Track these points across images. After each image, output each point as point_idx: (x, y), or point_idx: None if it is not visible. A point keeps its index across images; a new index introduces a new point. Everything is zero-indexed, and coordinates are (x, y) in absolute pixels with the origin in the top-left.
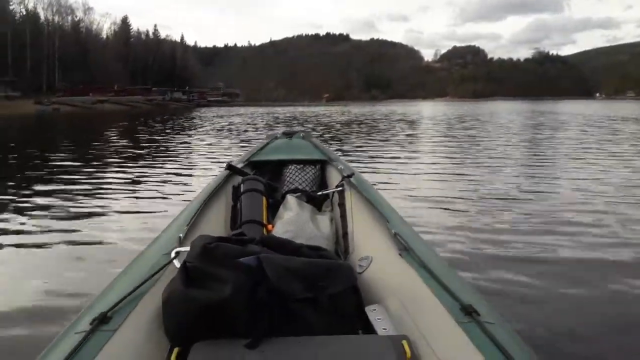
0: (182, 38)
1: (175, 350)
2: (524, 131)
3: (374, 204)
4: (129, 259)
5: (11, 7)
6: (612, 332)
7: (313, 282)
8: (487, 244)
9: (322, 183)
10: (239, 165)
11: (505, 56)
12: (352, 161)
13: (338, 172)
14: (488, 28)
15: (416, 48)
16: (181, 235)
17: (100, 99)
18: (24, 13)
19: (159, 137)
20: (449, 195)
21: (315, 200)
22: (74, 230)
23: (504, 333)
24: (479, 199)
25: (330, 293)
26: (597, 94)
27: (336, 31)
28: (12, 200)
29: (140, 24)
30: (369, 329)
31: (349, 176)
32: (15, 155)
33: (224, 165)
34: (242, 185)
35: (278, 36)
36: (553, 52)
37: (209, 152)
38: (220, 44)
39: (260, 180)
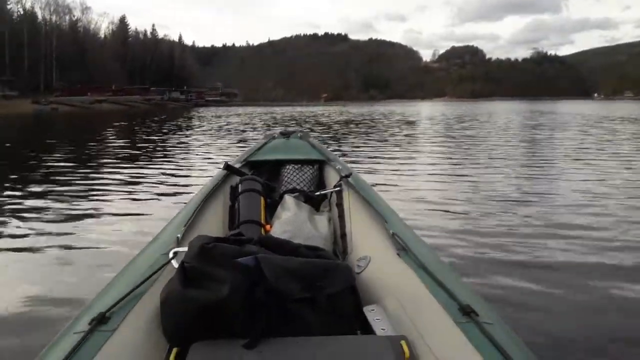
0: (180, 38)
1: (174, 350)
2: (523, 131)
3: (372, 204)
4: (126, 260)
5: (9, 7)
6: (612, 336)
7: (311, 282)
8: (486, 245)
9: (320, 183)
10: (237, 165)
11: (503, 56)
12: (350, 161)
13: (336, 172)
14: (486, 28)
15: (414, 48)
16: (179, 235)
17: (98, 99)
18: (22, 12)
19: (157, 137)
20: (448, 196)
21: (313, 200)
22: (70, 232)
23: (502, 333)
24: (479, 200)
25: (329, 293)
26: (595, 94)
27: (334, 31)
28: (6, 203)
29: (138, 23)
30: (367, 329)
31: (347, 176)
32: (11, 156)
33: (222, 165)
34: (239, 185)
35: (276, 36)
36: (551, 52)
37: (206, 152)
38: (219, 44)
39: (258, 180)
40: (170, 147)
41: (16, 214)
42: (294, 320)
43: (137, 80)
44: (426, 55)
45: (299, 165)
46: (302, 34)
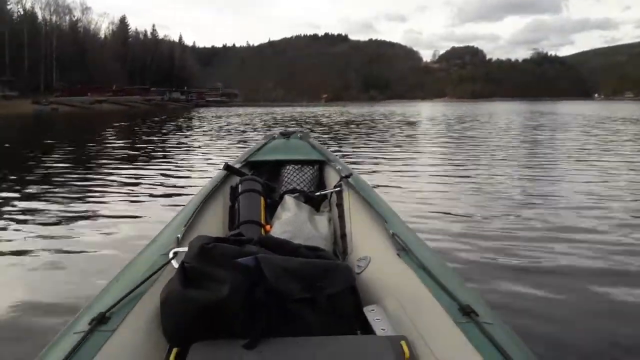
0: (180, 38)
1: (174, 350)
2: (524, 132)
3: (372, 205)
4: (126, 261)
5: (9, 7)
6: (614, 341)
7: (311, 282)
8: (488, 248)
9: (320, 183)
10: (237, 166)
11: (503, 57)
12: (351, 162)
13: (336, 173)
14: (486, 28)
15: (415, 49)
16: (179, 235)
17: (98, 99)
18: (22, 13)
19: (157, 138)
20: (449, 197)
21: (313, 200)
22: (68, 233)
23: (502, 333)
24: (480, 201)
25: (329, 293)
26: (596, 95)
27: (334, 31)
28: (5, 203)
29: (138, 23)
30: (367, 329)
31: (347, 176)
32: (11, 156)
33: (222, 165)
34: (239, 185)
35: (276, 36)
36: (551, 52)
37: (206, 153)
38: (219, 44)
39: (258, 180)
40: (170, 147)
41: (14, 215)
42: (294, 320)
43: (138, 81)
44: (426, 56)
45: (299, 166)
46: (302, 35)
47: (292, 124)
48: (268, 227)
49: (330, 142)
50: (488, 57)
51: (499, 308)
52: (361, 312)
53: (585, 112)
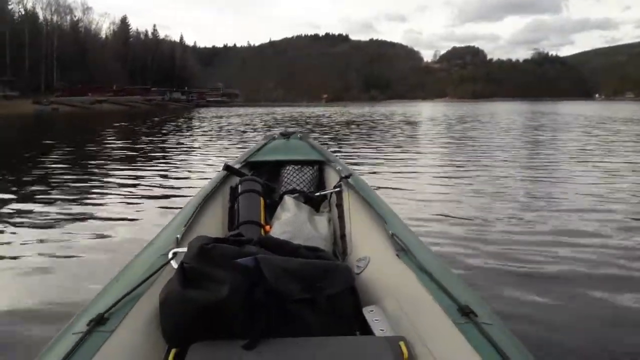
0: (181, 38)
1: (173, 351)
2: (526, 133)
3: (372, 205)
4: (125, 262)
5: (10, 7)
6: (616, 347)
7: (311, 283)
8: (489, 252)
9: (320, 184)
10: (237, 166)
11: (504, 57)
12: (351, 163)
13: (336, 173)
14: (487, 28)
15: (415, 49)
16: (178, 236)
17: (98, 99)
18: (23, 13)
19: (157, 138)
20: (449, 199)
21: (313, 201)
22: (66, 234)
23: (501, 334)
24: (481, 203)
25: (328, 294)
26: (596, 95)
27: (335, 31)
28: (3, 205)
29: (139, 23)
30: (366, 330)
31: (347, 177)
32: (10, 157)
33: (222, 166)
34: (239, 186)
35: (277, 36)
36: (552, 52)
37: (206, 153)
38: (220, 44)
39: (257, 181)
40: (170, 148)
41: (13, 216)
42: (294, 320)
43: (138, 81)
44: (427, 56)
45: (299, 166)
46: (303, 35)
47: (293, 124)
48: (268, 227)
49: (331, 143)
50: (489, 57)
51: (500, 313)
52: (360, 312)
53: (586, 112)
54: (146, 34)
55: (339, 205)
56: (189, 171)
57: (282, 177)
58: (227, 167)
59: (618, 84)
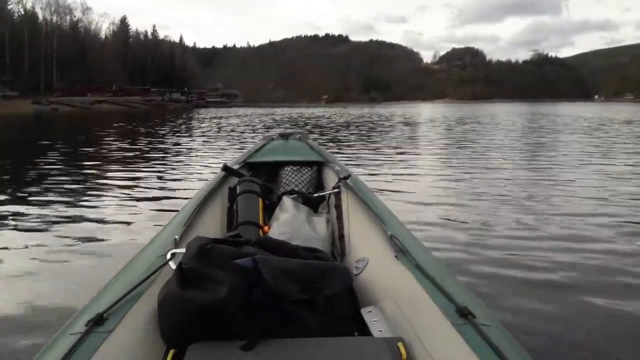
0: (181, 38)
1: (171, 352)
2: (526, 134)
3: (370, 206)
4: (123, 263)
5: (9, 7)
6: (616, 352)
7: (309, 283)
8: (488, 254)
9: (319, 185)
10: (235, 167)
11: (503, 58)
12: (350, 163)
13: (334, 174)
14: (486, 30)
15: (415, 50)
16: (177, 236)
17: (98, 99)
18: (22, 13)
19: (156, 139)
20: (449, 202)
21: (312, 201)
22: (64, 235)
23: (499, 335)
24: (481, 205)
25: (326, 295)
26: (596, 96)
27: (334, 32)
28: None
29: (138, 23)
30: (364, 330)
31: (346, 178)
32: (9, 157)
33: (220, 166)
34: (238, 186)
35: (277, 37)
36: (552, 54)
37: (205, 154)
38: (219, 45)
39: (256, 181)
40: (169, 148)
41: (11, 217)
42: (292, 321)
43: (138, 81)
44: (427, 57)
45: (298, 167)
46: (302, 35)
47: (292, 125)
48: (266, 228)
49: (330, 144)
50: (488, 58)
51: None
52: (359, 313)
53: (586, 113)
54: (146, 35)
55: (338, 206)
56: (188, 172)
57: (281, 178)
58: (225, 168)
59: (618, 86)
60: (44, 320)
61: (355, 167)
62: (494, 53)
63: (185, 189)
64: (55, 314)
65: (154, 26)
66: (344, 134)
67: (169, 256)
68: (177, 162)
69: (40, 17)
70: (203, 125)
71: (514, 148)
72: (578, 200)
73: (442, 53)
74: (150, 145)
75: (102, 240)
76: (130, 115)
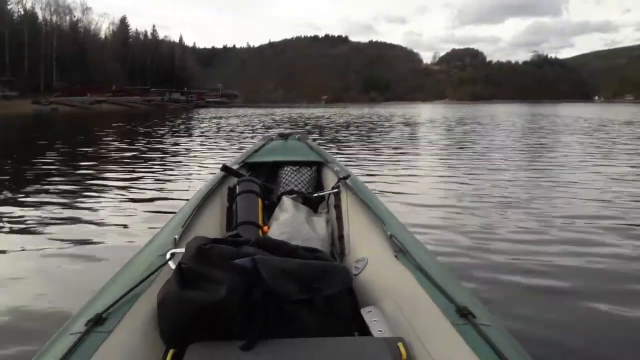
0: (180, 39)
1: (171, 351)
2: (527, 135)
3: (370, 206)
4: (122, 262)
5: (9, 7)
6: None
7: (308, 283)
8: (489, 258)
9: (318, 185)
10: (235, 167)
11: (504, 59)
12: (349, 164)
13: (334, 174)
14: (487, 31)
15: (415, 50)
16: (176, 236)
17: (98, 99)
18: (22, 13)
19: (156, 139)
20: (449, 203)
21: (311, 201)
22: (63, 236)
23: (499, 335)
24: (482, 208)
25: (326, 295)
26: (596, 97)
27: (334, 32)
28: None
29: (138, 23)
30: (364, 330)
31: (345, 178)
32: (9, 157)
33: (220, 166)
34: (237, 186)
35: (276, 37)
36: (552, 55)
37: (205, 154)
38: (219, 45)
39: (255, 181)
40: (168, 149)
41: (7, 217)
42: (292, 321)
43: (138, 81)
44: (426, 58)
45: (297, 167)
46: (302, 36)
47: (292, 125)
48: (266, 228)
49: (330, 145)
50: (488, 59)
51: (495, 306)
52: (358, 313)
53: (586, 114)
54: (145, 35)
55: (337, 206)
56: (187, 173)
57: (281, 178)
58: (225, 168)
59: (617, 87)
60: (41, 323)
61: (355, 167)
62: (494, 54)
63: (184, 190)
64: (51, 318)
65: (153, 26)
66: (343, 135)
67: (168, 256)
68: (177, 162)
69: (40, 17)
70: (202, 125)
71: (514, 149)
72: (581, 202)
73: (442, 54)
74: (150, 146)
75: (100, 242)
76: (130, 115)
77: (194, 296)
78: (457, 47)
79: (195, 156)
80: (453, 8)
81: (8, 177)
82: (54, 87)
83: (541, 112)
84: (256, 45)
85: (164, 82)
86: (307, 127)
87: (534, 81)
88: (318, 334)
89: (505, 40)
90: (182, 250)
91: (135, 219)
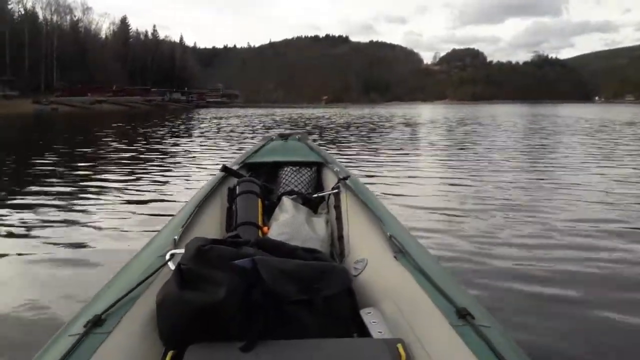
0: (181, 39)
1: (170, 353)
2: (528, 135)
3: (370, 207)
4: (120, 264)
5: (9, 7)
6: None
7: (308, 284)
8: (490, 260)
9: (318, 185)
10: (235, 167)
11: (504, 59)
12: (349, 164)
13: (334, 175)
14: (487, 31)
15: (415, 50)
16: (176, 237)
17: (98, 99)
18: (23, 12)
19: (156, 139)
20: (449, 205)
21: (311, 202)
22: (61, 236)
23: (498, 336)
24: (483, 210)
25: (325, 295)
26: (596, 98)
27: (334, 32)
28: None
29: (138, 23)
30: (364, 332)
31: (345, 178)
32: (9, 157)
33: (220, 167)
34: (237, 187)
35: (277, 37)
36: (552, 55)
37: (204, 154)
38: (219, 45)
39: (255, 182)
40: (168, 149)
41: (6, 218)
42: (291, 322)
43: (138, 81)
44: (427, 58)
45: (297, 168)
46: (303, 36)
47: (293, 126)
48: (265, 228)
49: (330, 145)
50: (489, 59)
51: (495, 306)
52: (358, 314)
53: (587, 115)
54: (146, 35)
55: (337, 207)
56: (187, 174)
57: (280, 178)
58: (225, 169)
59: (618, 87)
60: (39, 325)
61: (355, 168)
62: (495, 54)
63: (184, 189)
64: (49, 321)
65: (154, 26)
66: (343, 135)
67: (168, 257)
68: (177, 162)
69: (41, 16)
70: (203, 125)
71: (516, 150)
72: (584, 204)
73: (442, 54)
74: (150, 146)
75: (97, 245)
76: (131, 115)
77: (194, 297)
78: (457, 47)
79: (195, 157)
80: (453, 8)
81: (7, 179)
82: (54, 87)
83: (542, 112)
84: (257, 45)
85: (164, 82)
86: (308, 128)
87: (535, 81)
88: (317, 335)
89: (505, 41)
90: (182, 251)
91: (134, 221)
